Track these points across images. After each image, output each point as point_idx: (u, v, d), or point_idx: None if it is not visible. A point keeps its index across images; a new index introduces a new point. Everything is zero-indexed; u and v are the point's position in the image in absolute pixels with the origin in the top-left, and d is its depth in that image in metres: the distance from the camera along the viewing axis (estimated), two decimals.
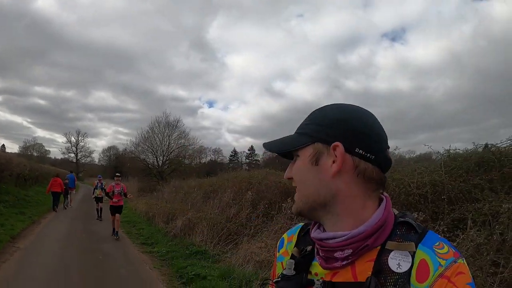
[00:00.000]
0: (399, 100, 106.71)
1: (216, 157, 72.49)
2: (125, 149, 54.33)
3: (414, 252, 0.83)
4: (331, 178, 0.88)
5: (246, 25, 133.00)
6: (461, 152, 8.25)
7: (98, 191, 15.84)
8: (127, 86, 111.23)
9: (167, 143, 40.68)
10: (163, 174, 37.96)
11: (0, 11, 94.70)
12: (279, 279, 0.95)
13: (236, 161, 76.32)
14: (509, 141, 7.00)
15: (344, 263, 0.87)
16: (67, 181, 19.30)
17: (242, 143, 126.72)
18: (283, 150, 0.96)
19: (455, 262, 0.80)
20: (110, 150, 78.73)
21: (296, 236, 1.06)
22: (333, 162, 0.87)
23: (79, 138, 77.59)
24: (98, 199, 15.93)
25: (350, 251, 0.86)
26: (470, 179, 6.52)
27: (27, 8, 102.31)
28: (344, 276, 0.88)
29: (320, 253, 0.92)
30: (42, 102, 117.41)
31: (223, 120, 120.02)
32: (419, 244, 0.84)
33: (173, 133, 41.06)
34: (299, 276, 0.93)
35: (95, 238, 10.79)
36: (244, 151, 78.71)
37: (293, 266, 0.94)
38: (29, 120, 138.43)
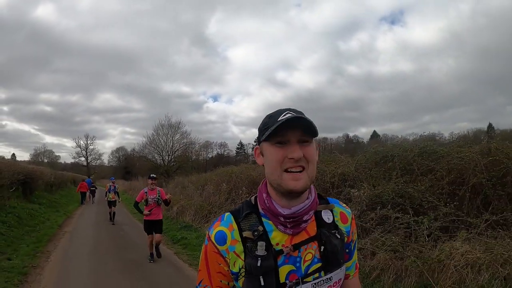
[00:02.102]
0: (402, 82, 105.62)
1: (222, 150, 74.96)
2: (133, 149, 57.30)
3: (332, 210, 1.35)
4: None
5: (244, 17, 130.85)
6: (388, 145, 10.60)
7: (111, 195, 15.90)
8: (131, 86, 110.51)
9: (171, 144, 44.12)
10: (169, 171, 41.16)
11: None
12: (260, 260, 1.17)
13: (243, 153, 77.46)
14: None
15: (309, 222, 1.27)
16: (93, 183, 26.30)
17: (249, 135, 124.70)
18: (316, 134, 1.20)
19: (350, 209, 1.44)
20: (119, 151, 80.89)
21: (236, 224, 1.26)
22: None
23: (88, 142, 78.10)
24: (111, 203, 15.75)
25: (313, 211, 1.27)
26: (367, 170, 9.12)
27: (26, 18, 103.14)
28: (301, 236, 1.25)
29: (289, 225, 1.23)
30: (48, 108, 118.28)
31: (228, 113, 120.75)
32: (334, 204, 1.38)
33: (175, 134, 44.52)
34: (270, 252, 1.19)
35: (117, 224, 14.78)
36: (250, 143, 78.15)
37: (264, 246, 1.19)
38: (36, 127, 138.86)
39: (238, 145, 79.82)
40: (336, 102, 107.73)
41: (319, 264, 1.24)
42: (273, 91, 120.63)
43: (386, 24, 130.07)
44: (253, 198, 1.35)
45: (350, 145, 69.40)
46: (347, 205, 1.44)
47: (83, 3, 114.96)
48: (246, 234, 1.21)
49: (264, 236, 1.21)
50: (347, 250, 1.35)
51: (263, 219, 1.26)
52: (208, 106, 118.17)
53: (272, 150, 1.18)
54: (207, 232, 1.31)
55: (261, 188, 1.31)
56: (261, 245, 1.18)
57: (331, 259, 1.24)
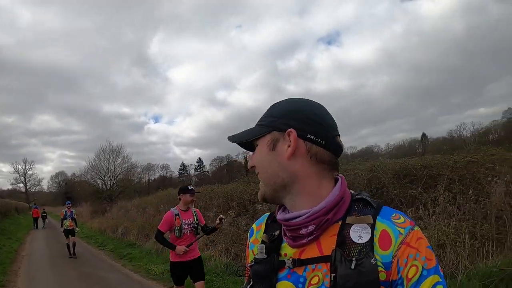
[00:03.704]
0: (340, 99, 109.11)
1: (165, 172, 74.87)
2: (74, 174, 57.12)
3: (373, 224, 0.92)
4: (287, 161, 0.98)
5: (186, 38, 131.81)
6: None
7: (68, 222, 13.49)
8: (71, 107, 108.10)
9: (112, 168, 45.08)
10: (112, 196, 41.81)
11: None
12: (252, 263, 1.05)
13: (186, 174, 76.89)
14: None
15: (309, 238, 0.96)
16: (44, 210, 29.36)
17: (191, 155, 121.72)
18: (245, 140, 1.07)
19: (412, 229, 0.91)
20: (58, 176, 79.20)
21: (264, 224, 1.15)
22: (288, 146, 0.98)
23: (27, 167, 74.84)
24: (69, 232, 13.43)
25: (314, 226, 0.95)
26: None
27: None
28: (311, 252, 0.97)
29: (288, 234, 1.01)
30: None
31: (169, 134, 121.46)
32: (377, 217, 0.93)
33: (117, 158, 45.51)
34: (270, 258, 1.01)
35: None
36: (192, 164, 79.45)
37: (264, 250, 1.03)
38: None
39: (180, 166, 79.81)
40: None
41: None
42: (213, 111, 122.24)
43: (323, 44, 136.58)
44: None
45: None
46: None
47: (22, 19, 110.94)
48: (264, 236, 1.11)
49: (276, 242, 1.06)
50: None
51: None
52: (149, 127, 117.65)
53: None
54: None
55: None
56: (261, 248, 1.05)
57: None
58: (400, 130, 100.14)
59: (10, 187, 77.67)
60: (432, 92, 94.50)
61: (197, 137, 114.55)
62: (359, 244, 0.91)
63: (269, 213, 1.18)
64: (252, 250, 1.14)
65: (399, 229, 0.91)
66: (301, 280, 0.97)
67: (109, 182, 44.75)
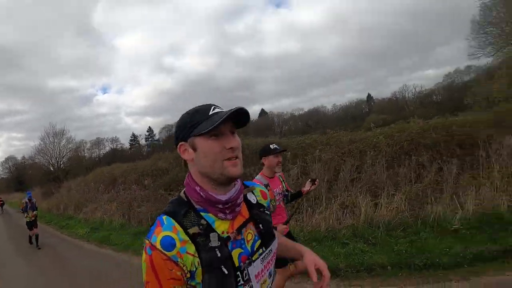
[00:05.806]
0: (290, 61, 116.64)
1: (115, 145, 73.82)
2: (24, 157, 58.33)
3: (253, 191, 1.53)
4: None
5: (130, 5, 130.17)
6: None
7: (30, 213, 13.00)
8: (13, 87, 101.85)
9: (57, 150, 48.02)
10: (60, 176, 43.59)
11: None
12: (217, 250, 1.23)
13: (137, 145, 77.04)
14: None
15: (241, 205, 1.40)
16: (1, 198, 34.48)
17: (143, 124, 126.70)
18: (245, 125, 1.34)
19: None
20: (8, 161, 76.37)
21: (178, 225, 1.23)
22: None
23: None
24: (31, 223, 13.03)
25: (242, 194, 1.41)
26: None
27: None
28: (239, 221, 1.37)
29: (227, 211, 1.32)
30: None
31: (119, 104, 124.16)
32: (255, 186, 1.59)
33: (61, 140, 48.24)
34: (221, 241, 1.26)
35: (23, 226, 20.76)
36: (142, 134, 79.52)
37: (217, 237, 1.25)
38: None
39: (131, 137, 79.62)
40: (226, 83, 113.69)
41: (259, 241, 1.39)
42: (162, 77, 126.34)
43: (271, 6, 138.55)
44: (182, 194, 1.37)
45: None
46: None
47: None
48: (193, 230, 1.22)
49: (209, 228, 1.26)
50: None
51: (202, 214, 1.29)
52: (98, 99, 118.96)
53: (210, 143, 1.25)
54: (146, 241, 1.22)
55: (189, 183, 1.34)
56: (213, 236, 1.24)
57: (267, 234, 1.44)
58: (352, 91, 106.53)
59: None
60: (382, 54, 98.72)
61: (148, 105, 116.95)
62: (254, 204, 1.49)
63: (165, 215, 1.26)
64: (187, 253, 1.20)
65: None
66: (242, 242, 1.33)
67: (56, 164, 47.56)
